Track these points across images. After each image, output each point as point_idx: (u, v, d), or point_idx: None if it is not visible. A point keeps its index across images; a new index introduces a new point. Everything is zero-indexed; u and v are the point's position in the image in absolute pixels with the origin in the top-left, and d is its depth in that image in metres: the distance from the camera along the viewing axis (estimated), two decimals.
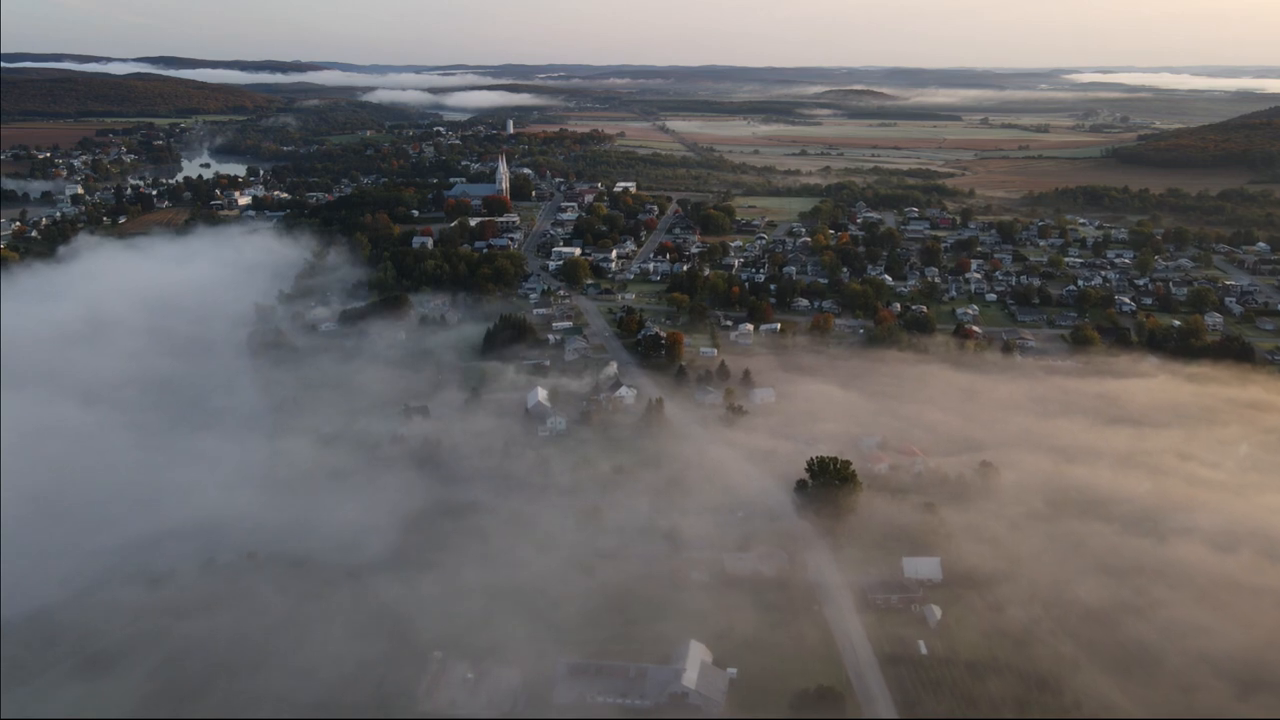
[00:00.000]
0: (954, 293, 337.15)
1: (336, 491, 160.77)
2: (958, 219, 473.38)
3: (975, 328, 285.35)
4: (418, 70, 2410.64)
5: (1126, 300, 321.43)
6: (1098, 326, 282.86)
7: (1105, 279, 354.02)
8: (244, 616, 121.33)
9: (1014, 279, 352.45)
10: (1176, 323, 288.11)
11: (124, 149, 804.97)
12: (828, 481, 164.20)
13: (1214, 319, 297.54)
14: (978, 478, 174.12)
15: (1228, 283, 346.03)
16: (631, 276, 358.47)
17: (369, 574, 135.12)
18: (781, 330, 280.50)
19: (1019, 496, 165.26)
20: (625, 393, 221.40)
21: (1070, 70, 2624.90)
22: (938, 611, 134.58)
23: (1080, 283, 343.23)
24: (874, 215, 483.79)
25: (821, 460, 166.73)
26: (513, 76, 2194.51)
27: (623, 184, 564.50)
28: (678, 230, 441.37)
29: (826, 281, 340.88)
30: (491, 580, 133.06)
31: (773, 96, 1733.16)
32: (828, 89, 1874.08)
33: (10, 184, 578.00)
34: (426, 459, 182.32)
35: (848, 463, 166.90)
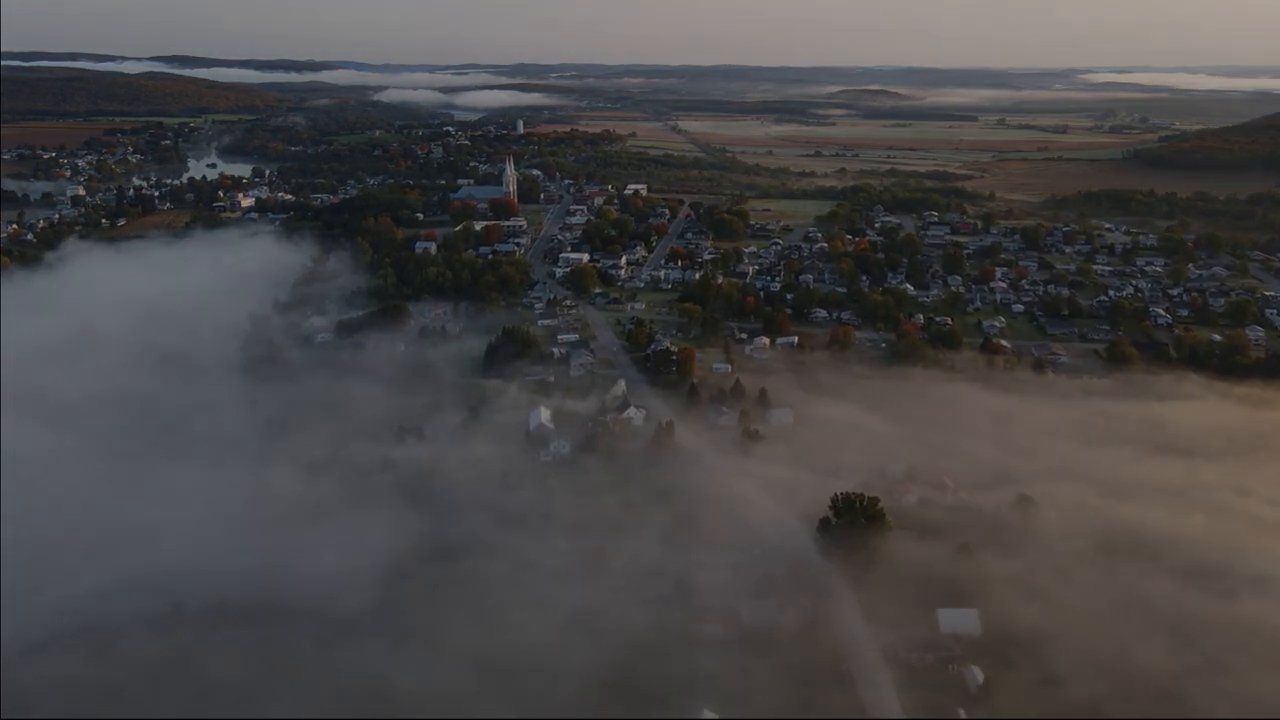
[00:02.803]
0: (978, 303, 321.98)
1: (319, 529, 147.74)
2: (979, 223, 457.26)
3: (1003, 342, 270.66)
4: (431, 70, 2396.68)
5: (1161, 312, 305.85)
6: (1133, 341, 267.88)
7: (1137, 288, 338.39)
8: (199, 691, 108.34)
9: (1041, 288, 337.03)
10: (1216, 337, 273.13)
11: (130, 149, 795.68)
12: (853, 520, 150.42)
13: (1255, 332, 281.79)
14: (1016, 514, 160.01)
15: (1267, 293, 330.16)
16: (641, 284, 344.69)
17: (346, 632, 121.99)
18: (799, 344, 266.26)
19: (1063, 537, 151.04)
20: (633, 414, 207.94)
21: (1085, 70, 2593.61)
22: (979, 674, 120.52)
23: (1111, 293, 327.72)
24: (892, 219, 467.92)
25: (846, 497, 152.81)
26: (525, 76, 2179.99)
27: (633, 186, 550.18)
28: (689, 235, 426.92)
29: (845, 291, 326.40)
30: (482, 639, 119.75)
31: (786, 96, 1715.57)
32: (842, 89, 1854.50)
33: (12, 185, 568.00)
34: (419, 489, 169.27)
35: (875, 499, 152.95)
